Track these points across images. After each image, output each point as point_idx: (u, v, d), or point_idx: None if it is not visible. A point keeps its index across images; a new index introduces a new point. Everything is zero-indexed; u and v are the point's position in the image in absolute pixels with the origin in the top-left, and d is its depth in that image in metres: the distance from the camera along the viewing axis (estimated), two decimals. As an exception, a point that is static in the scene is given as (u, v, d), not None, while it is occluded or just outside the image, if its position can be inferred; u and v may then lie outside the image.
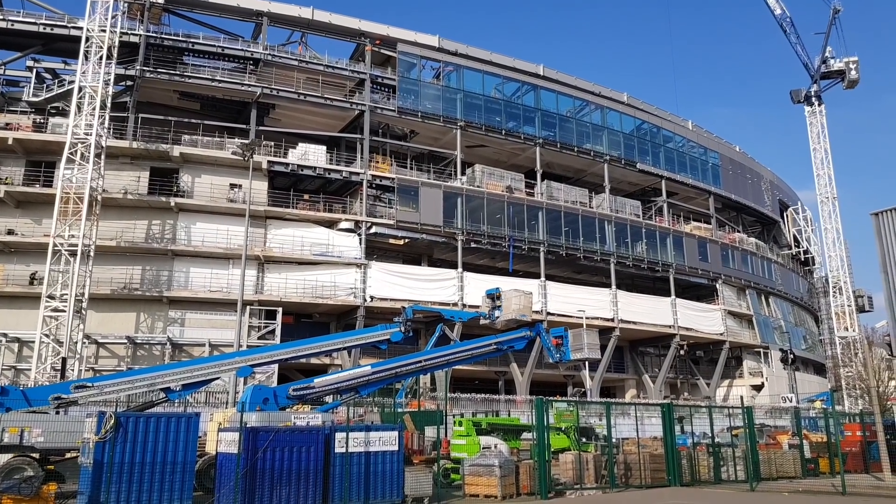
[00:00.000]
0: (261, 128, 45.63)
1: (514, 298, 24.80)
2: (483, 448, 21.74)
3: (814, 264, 75.60)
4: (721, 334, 58.42)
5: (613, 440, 22.96)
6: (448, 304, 44.43)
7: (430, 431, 25.74)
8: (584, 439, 23.70)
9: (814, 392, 60.26)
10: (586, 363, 41.78)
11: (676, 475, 21.46)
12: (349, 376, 21.02)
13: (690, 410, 25.01)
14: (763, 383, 59.97)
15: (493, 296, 25.34)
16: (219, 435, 17.60)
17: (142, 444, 15.87)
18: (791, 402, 39.21)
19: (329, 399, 22.64)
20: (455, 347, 23.17)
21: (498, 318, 24.93)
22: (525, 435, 24.26)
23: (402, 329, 23.17)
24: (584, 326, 34.14)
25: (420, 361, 22.31)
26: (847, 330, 64.73)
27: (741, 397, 25.69)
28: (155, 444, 15.96)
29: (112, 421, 15.64)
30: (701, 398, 56.54)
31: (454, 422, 24.28)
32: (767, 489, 20.72)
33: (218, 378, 20.88)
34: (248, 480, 15.86)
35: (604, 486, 20.45)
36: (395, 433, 18.05)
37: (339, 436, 17.10)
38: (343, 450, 16.97)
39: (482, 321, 25.91)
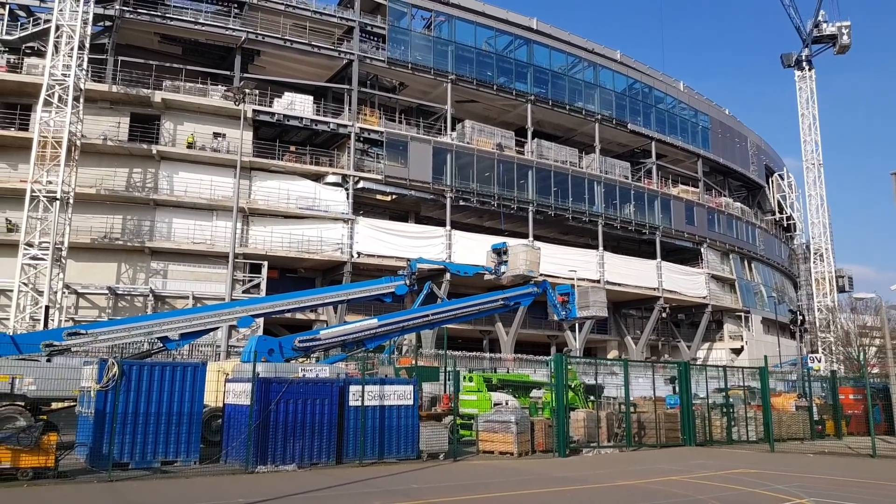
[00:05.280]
0: (245, 75, 43.67)
1: (521, 254, 24.12)
2: (494, 404, 21.18)
3: (795, 230, 76.14)
4: (704, 298, 58.69)
5: (617, 398, 22.57)
6: (437, 262, 43.62)
7: (427, 387, 25.17)
8: (591, 397, 23.29)
9: (792, 356, 61.18)
10: (579, 322, 41.43)
11: (691, 435, 21.16)
12: (356, 329, 20.25)
13: (706, 370, 24.67)
14: (742, 347, 60.59)
15: (500, 251, 24.63)
16: (226, 386, 16.74)
17: (146, 393, 15.07)
18: (820, 362, 39.48)
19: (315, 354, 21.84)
20: (463, 302, 22.44)
21: (504, 273, 24.24)
22: (534, 392, 23.80)
23: (407, 282, 22.43)
24: (575, 285, 33.56)
25: (427, 315, 21.61)
26: (825, 297, 65.43)
27: (765, 357, 25.40)
28: (160, 393, 15.17)
29: (115, 369, 14.71)
30: (681, 360, 56.94)
31: (464, 377, 23.68)
32: (786, 450, 20.53)
33: (219, 327, 19.92)
34: (261, 433, 15.09)
35: (619, 445, 20.09)
36: (411, 387, 17.43)
37: (354, 388, 16.41)
38: (358, 403, 16.30)
39: (486, 276, 25.22)
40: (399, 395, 17.01)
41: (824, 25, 68.16)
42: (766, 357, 24.69)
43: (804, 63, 67.97)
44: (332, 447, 16.00)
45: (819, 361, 38.62)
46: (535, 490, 13.12)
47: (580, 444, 19.68)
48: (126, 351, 22.11)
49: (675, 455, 19.07)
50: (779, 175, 75.67)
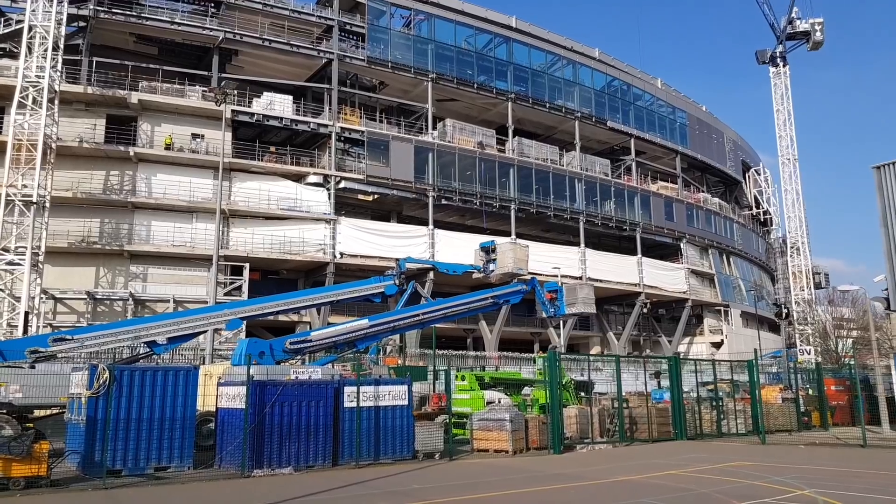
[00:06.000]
0: (223, 75, 43.27)
1: (509, 252, 24.12)
2: (487, 402, 21.15)
3: (772, 225, 77.13)
4: (684, 292, 59.27)
5: (606, 394, 22.61)
6: (421, 261, 43.48)
7: (415, 387, 25.05)
8: (581, 393, 23.36)
9: (770, 349, 61.93)
10: (563, 320, 41.50)
11: (682, 429, 21.30)
12: (346, 329, 20.08)
13: (696, 364, 24.85)
14: (723, 340, 61.29)
15: (488, 249, 24.60)
16: (219, 389, 16.49)
17: (138, 398, 14.80)
18: (809, 354, 40.03)
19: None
20: (453, 301, 22.39)
21: (493, 271, 24.22)
22: (525, 389, 23.79)
23: (396, 282, 22.35)
24: (561, 282, 33.64)
25: (418, 315, 21.53)
26: (802, 290, 66.27)
27: (754, 350, 25.66)
28: (152, 398, 14.91)
29: (106, 374, 14.41)
30: (664, 355, 57.43)
31: (456, 376, 23.61)
32: (777, 441, 20.73)
33: (206, 331, 19.63)
34: (256, 436, 14.89)
35: (613, 441, 20.15)
36: (405, 387, 17.34)
37: (349, 390, 16.28)
38: (353, 404, 16.16)
39: (475, 275, 25.17)
40: (393, 395, 16.91)
41: (798, 22, 69.06)
42: (755, 350, 24.95)
43: (778, 59, 68.77)
44: (328, 449, 15.86)
45: (808, 353, 39.17)
46: (539, 487, 13.10)
47: (573, 441, 19.73)
48: (110, 356, 21.71)
49: (669, 449, 19.19)
50: (755, 170, 76.62)
